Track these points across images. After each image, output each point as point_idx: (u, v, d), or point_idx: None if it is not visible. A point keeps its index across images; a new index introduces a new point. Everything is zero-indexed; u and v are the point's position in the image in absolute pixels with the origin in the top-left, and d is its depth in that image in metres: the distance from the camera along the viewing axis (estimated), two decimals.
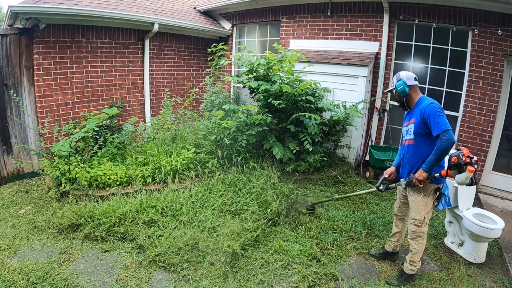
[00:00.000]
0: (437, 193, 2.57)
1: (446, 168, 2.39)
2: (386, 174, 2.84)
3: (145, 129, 5.26)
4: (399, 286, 2.66)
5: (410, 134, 2.58)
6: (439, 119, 2.31)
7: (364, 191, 3.27)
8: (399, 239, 2.94)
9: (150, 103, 6.06)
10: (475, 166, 2.24)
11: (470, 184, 2.30)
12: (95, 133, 4.48)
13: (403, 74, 2.63)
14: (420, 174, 2.42)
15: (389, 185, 2.81)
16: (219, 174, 4.12)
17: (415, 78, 2.61)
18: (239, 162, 4.32)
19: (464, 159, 2.26)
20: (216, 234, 3.10)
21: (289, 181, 4.29)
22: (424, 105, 2.43)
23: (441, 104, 4.73)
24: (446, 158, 2.41)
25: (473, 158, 2.27)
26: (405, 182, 2.59)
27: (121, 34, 5.41)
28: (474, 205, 3.32)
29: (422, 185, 2.45)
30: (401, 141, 2.82)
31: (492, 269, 2.95)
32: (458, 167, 2.29)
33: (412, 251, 2.64)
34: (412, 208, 2.61)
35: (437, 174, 2.40)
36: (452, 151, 2.41)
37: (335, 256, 3.03)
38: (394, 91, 2.68)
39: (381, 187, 2.83)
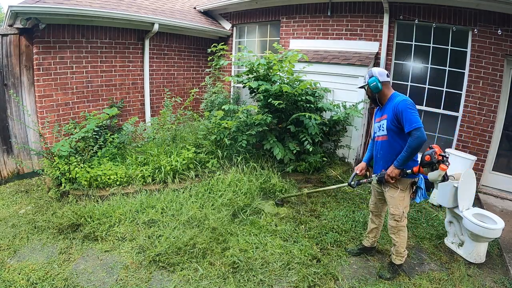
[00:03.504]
0: (414, 187, 2.59)
1: (418, 165, 2.42)
2: (357, 170, 2.89)
3: (145, 129, 5.25)
4: (391, 277, 2.72)
5: (383, 130, 2.59)
6: (411, 116, 2.33)
7: (335, 186, 3.40)
8: (376, 234, 3.00)
9: (150, 103, 6.06)
10: (447, 164, 2.28)
11: (442, 181, 2.36)
12: (95, 133, 4.49)
13: (375, 70, 2.61)
14: (392, 170, 2.46)
15: (360, 181, 2.86)
16: (219, 174, 4.12)
17: (387, 74, 2.61)
18: (239, 162, 4.32)
19: (436, 157, 2.28)
20: None
21: (289, 181, 4.29)
22: (397, 101, 2.44)
23: (441, 104, 4.81)
24: (420, 155, 2.43)
25: (445, 156, 2.30)
26: (376, 178, 2.63)
27: (121, 34, 5.41)
28: (474, 205, 3.32)
29: (393, 181, 2.50)
30: (372, 137, 2.83)
31: (492, 269, 2.95)
32: (431, 165, 2.32)
33: (396, 245, 2.69)
34: (390, 204, 2.63)
35: (408, 171, 2.44)
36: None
37: (335, 256, 3.03)
38: (366, 87, 2.66)
39: (352, 183, 2.85)
